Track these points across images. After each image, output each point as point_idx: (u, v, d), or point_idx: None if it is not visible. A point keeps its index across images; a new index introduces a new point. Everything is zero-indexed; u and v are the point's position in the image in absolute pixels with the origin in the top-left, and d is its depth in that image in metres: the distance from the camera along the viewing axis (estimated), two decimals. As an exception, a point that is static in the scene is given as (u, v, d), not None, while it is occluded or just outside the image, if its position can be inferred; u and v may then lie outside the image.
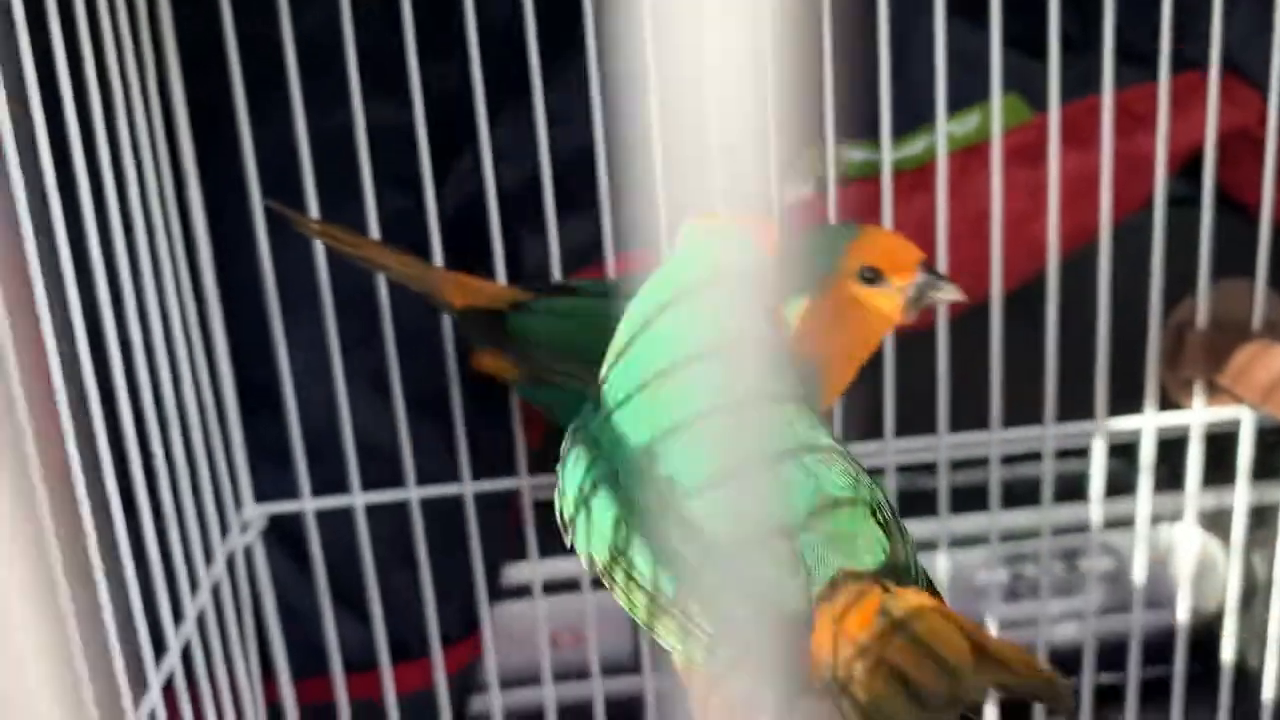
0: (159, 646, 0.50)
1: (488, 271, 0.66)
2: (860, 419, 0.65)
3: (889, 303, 0.48)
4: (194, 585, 0.56)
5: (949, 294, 0.49)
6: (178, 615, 0.53)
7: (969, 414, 0.67)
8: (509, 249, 0.64)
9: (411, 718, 0.70)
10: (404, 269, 0.56)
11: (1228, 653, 0.73)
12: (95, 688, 0.41)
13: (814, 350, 0.47)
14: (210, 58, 0.60)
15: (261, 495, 0.66)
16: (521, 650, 0.73)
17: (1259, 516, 0.79)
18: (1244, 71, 0.67)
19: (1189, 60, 0.65)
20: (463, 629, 0.70)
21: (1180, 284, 0.67)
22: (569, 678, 0.79)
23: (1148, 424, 0.67)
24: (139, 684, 0.47)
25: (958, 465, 0.78)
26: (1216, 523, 0.79)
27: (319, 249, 0.62)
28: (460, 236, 0.65)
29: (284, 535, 0.67)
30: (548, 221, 0.62)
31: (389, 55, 0.61)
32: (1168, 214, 0.64)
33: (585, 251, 0.65)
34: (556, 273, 0.64)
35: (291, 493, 0.66)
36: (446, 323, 0.65)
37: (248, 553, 0.65)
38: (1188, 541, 0.77)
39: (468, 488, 0.66)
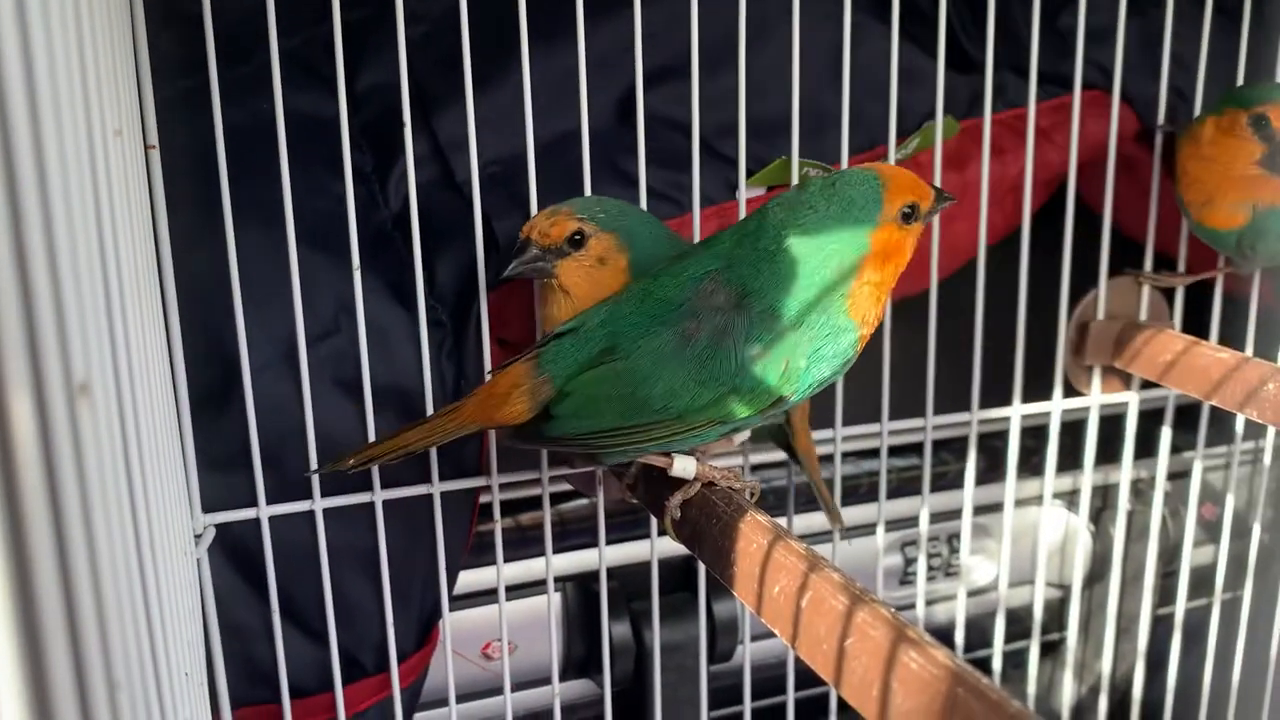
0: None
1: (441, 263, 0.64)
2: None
3: (916, 232, 0.49)
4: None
5: (949, 200, 0.50)
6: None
7: (904, 403, 0.72)
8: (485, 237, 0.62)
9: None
10: (444, 431, 0.53)
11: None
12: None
13: (862, 307, 0.48)
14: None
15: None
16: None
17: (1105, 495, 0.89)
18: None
19: (1089, 81, 0.73)
20: (417, 641, 0.67)
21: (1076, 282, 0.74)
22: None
23: (1055, 408, 0.74)
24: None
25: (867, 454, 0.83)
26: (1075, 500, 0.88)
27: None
28: (408, 228, 0.62)
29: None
30: (533, 206, 0.61)
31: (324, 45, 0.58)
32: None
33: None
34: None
35: (234, 502, 0.61)
36: (406, 320, 0.62)
37: (197, 568, 0.59)
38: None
39: (436, 488, 0.63)
